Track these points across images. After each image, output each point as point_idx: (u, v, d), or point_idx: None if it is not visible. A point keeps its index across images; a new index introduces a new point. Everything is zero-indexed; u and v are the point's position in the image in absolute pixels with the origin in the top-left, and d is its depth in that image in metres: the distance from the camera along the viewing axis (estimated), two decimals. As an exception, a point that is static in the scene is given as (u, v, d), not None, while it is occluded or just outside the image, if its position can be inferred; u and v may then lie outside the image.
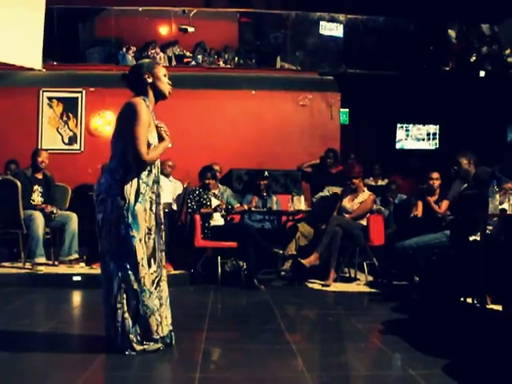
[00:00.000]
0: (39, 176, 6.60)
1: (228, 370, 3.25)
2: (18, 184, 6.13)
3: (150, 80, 3.30)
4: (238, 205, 6.96)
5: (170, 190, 6.92)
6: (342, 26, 9.65)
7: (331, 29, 9.74)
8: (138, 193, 3.23)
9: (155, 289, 3.32)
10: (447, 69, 9.08)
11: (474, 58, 9.40)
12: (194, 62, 9.91)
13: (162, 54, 9.94)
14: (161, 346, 3.36)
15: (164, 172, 7.12)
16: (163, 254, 3.45)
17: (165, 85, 3.35)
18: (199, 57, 10.11)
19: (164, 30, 10.65)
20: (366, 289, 6.10)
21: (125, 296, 3.24)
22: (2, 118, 7.70)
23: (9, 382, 2.86)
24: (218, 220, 6.59)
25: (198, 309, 5.03)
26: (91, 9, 9.85)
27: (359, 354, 3.71)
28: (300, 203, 6.70)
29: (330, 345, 3.88)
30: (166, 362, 3.40)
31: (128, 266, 3.23)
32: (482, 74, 9.15)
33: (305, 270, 6.16)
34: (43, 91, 8.07)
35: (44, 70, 8.09)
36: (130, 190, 3.22)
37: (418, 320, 4.67)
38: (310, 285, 6.25)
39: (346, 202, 6.62)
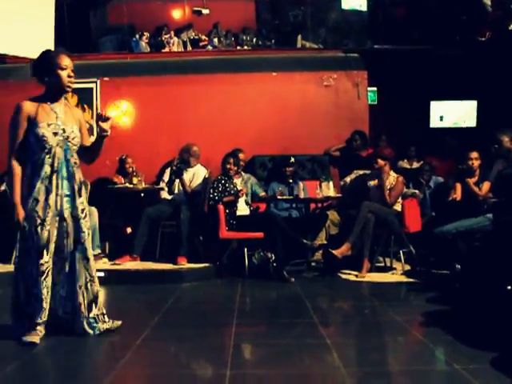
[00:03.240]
0: None
1: (260, 366, 3.24)
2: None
3: (47, 79, 3.53)
4: (264, 193, 6.93)
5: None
6: (365, -2, 9.53)
7: (354, 3, 9.61)
8: (30, 186, 3.49)
9: (44, 279, 3.49)
10: (483, 39, 8.88)
11: (512, 25, 9.18)
12: (210, 46, 9.90)
13: (176, 39, 9.96)
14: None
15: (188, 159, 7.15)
16: (67, 243, 3.61)
17: (63, 81, 3.52)
18: (215, 40, 10.10)
19: (177, 14, 10.65)
20: (404, 278, 6.02)
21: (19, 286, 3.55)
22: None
23: (33, 381, 2.91)
24: (243, 210, 6.57)
25: (225, 303, 5.02)
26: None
27: (398, 347, 3.68)
28: (329, 189, 6.62)
29: (366, 338, 3.84)
30: (195, 358, 3.41)
31: (24, 256, 3.52)
32: (522, 42, 8.91)
33: (336, 260, 6.11)
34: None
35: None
36: (25, 185, 3.52)
37: (460, 311, 4.58)
38: (342, 276, 6.18)
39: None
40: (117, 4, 10.06)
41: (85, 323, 3.67)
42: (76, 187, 3.58)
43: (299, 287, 5.62)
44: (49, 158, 3.48)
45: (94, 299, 3.70)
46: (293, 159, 7.13)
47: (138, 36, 9.84)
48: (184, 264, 6.26)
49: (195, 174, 6.95)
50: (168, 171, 7.12)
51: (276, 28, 10.29)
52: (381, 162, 6.43)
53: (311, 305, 4.78)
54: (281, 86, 8.16)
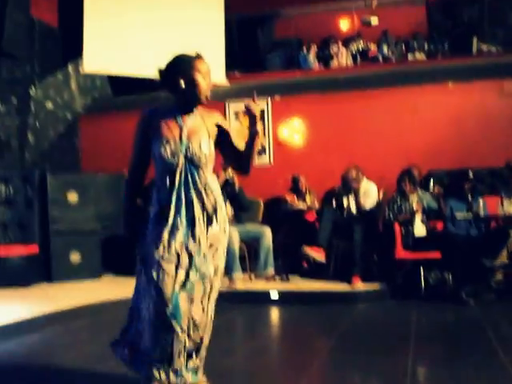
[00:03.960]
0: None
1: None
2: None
3: (183, 84, 3.05)
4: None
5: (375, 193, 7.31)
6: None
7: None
8: (152, 213, 3.14)
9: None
10: None
11: None
12: (380, 56, 9.99)
13: (344, 50, 10.20)
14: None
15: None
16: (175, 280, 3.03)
17: (200, 88, 3.05)
18: (385, 48, 10.18)
19: (345, 25, 10.89)
20: None
21: None
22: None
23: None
24: (419, 229, 6.69)
25: (401, 327, 5.16)
26: (270, 12, 10.41)
27: None
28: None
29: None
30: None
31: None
32: None
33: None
34: (229, 104, 8.71)
35: (228, 84, 8.77)
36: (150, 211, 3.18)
37: None
38: (527, 298, 6.04)
39: None
40: (284, 18, 10.52)
41: (171, 373, 3.05)
42: (200, 216, 3.04)
43: (478, 310, 5.62)
44: (168, 181, 3.04)
45: (196, 349, 3.10)
46: (471, 174, 7.08)
47: (305, 49, 10.22)
48: (358, 284, 6.51)
49: (365, 192, 7.21)
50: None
51: (449, 31, 10.16)
52: None
53: (492, 331, 4.76)
54: (457, 96, 8.11)
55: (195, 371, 3.11)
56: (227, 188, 7.11)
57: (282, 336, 5.45)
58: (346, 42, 10.31)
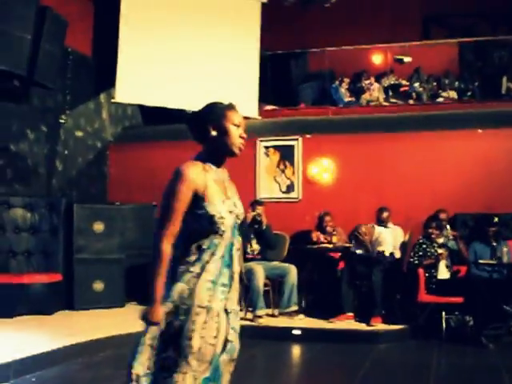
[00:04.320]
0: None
1: None
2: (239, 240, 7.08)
3: (213, 133, 2.83)
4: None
5: (391, 238, 7.56)
6: None
7: None
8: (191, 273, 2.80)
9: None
10: None
11: None
12: (411, 92, 10.29)
13: (376, 85, 10.50)
14: None
15: (380, 219, 7.72)
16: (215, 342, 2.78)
17: (233, 139, 2.81)
18: (416, 85, 10.47)
19: (378, 60, 11.23)
20: None
21: None
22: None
23: None
24: (443, 273, 6.94)
25: (420, 368, 5.38)
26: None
27: None
28: (535, 251, 6.73)
29: None
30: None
31: None
32: None
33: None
34: (260, 141, 8.99)
35: (260, 118, 9.10)
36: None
37: None
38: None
39: None
40: (317, 52, 10.83)
41: None
42: (236, 274, 2.86)
43: (498, 354, 5.82)
44: (219, 243, 2.76)
45: None
46: (496, 219, 7.25)
47: (337, 82, 10.53)
48: (378, 325, 6.75)
49: (376, 239, 7.55)
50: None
51: (479, 70, 10.46)
52: None
53: (510, 376, 4.93)
54: (485, 142, 8.25)
55: None
56: (255, 225, 7.43)
57: (302, 375, 5.65)
58: (379, 77, 10.65)
